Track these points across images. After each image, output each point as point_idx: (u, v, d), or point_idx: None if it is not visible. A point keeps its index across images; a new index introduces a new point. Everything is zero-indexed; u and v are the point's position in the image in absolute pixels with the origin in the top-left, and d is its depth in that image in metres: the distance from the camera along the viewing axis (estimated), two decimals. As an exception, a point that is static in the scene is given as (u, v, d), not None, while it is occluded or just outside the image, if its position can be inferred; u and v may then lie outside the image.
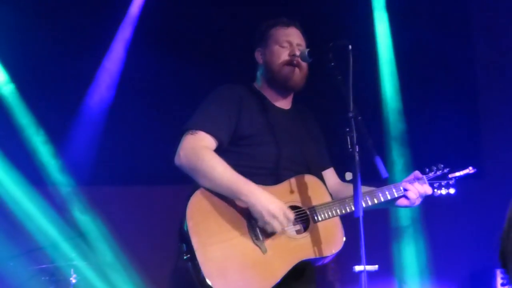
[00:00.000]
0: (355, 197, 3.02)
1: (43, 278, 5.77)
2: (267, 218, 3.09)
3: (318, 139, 3.71)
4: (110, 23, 6.87)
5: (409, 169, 3.64)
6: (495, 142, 6.93)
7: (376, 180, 3.35)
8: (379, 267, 3.59)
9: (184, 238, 3.10)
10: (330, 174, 3.71)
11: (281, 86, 3.54)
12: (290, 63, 3.49)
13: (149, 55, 6.68)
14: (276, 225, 3.10)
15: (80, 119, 6.88)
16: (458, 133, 6.82)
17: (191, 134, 3.28)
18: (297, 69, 3.50)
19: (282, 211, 3.12)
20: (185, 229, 3.09)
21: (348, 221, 3.32)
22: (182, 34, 6.78)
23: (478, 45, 7.12)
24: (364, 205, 3.26)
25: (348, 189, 3.38)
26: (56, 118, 6.73)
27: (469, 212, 6.57)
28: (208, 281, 3.02)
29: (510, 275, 1.25)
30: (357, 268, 2.99)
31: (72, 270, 5.53)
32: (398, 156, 6.74)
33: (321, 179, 3.52)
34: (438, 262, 6.75)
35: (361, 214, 2.98)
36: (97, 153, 6.82)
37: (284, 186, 3.31)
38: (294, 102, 3.67)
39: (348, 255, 3.33)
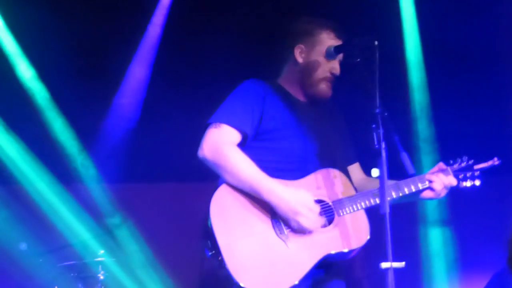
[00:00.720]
0: (381, 194, 3.00)
1: (71, 274, 5.81)
2: (292, 216, 3.09)
3: (343, 134, 3.67)
4: (139, 21, 6.89)
5: (435, 164, 3.59)
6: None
7: (402, 176, 3.34)
8: (406, 264, 3.54)
9: (209, 234, 3.10)
10: (355, 169, 3.69)
11: (311, 95, 3.52)
12: (329, 80, 3.49)
13: (179, 54, 6.70)
14: (303, 222, 3.10)
15: (109, 118, 6.92)
16: (487, 130, 6.76)
17: (215, 127, 3.28)
18: (331, 85, 3.50)
19: (305, 207, 3.11)
20: (209, 225, 3.09)
21: (374, 217, 3.30)
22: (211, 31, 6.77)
23: (506, 40, 7.03)
24: (389, 198, 3.21)
25: (374, 184, 3.41)
26: (86, 117, 6.78)
27: (496, 206, 6.50)
28: (234, 277, 3.02)
29: None
30: (384, 265, 2.95)
31: (100, 266, 5.56)
32: (425, 153, 6.68)
33: (346, 173, 3.50)
34: (466, 258, 6.71)
35: (387, 210, 2.96)
36: (126, 151, 6.85)
37: (308, 180, 3.30)
38: None
39: (375, 251, 3.30)
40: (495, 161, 3.58)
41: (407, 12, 6.75)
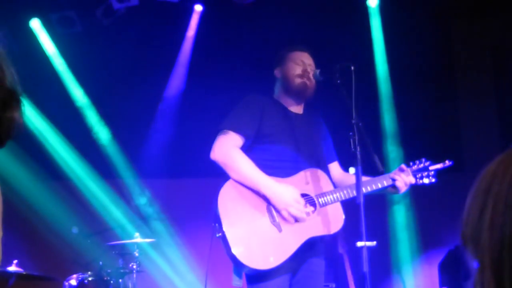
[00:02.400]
0: (357, 187, 3.03)
1: (113, 252, 5.80)
2: (284, 206, 3.11)
3: (326, 138, 3.72)
4: (171, 45, 6.91)
5: (400, 163, 3.61)
6: (474, 140, 6.85)
7: (374, 173, 3.35)
8: (377, 243, 3.52)
9: (217, 219, 3.14)
10: (335, 166, 3.73)
11: (295, 94, 3.57)
12: (301, 75, 3.53)
13: (208, 73, 6.71)
14: (291, 211, 3.12)
15: (145, 124, 6.93)
16: (442, 132, 6.77)
17: (224, 134, 3.33)
18: (306, 81, 3.52)
19: (294, 199, 3.14)
20: (217, 212, 3.13)
21: (351, 205, 3.31)
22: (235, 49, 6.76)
23: (456, 54, 7.06)
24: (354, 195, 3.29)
25: (350, 179, 3.53)
26: (125, 125, 6.80)
27: (449, 199, 6.51)
28: (235, 254, 3.06)
29: (473, 255, 1.21)
30: (359, 244, 2.96)
31: (135, 246, 5.55)
32: (392, 152, 6.68)
33: (328, 170, 3.54)
34: (425, 238, 6.70)
35: (361, 200, 3.00)
36: (159, 151, 6.86)
37: (297, 177, 3.33)
38: (305, 108, 3.67)
39: (352, 233, 3.31)
40: (447, 163, 3.60)
41: (377, 38, 6.77)
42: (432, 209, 6.62)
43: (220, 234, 3.11)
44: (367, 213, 2.97)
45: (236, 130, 3.33)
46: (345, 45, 6.16)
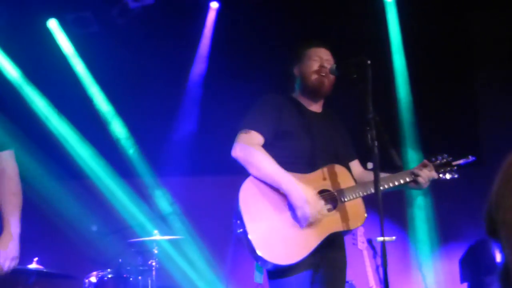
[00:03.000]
0: (375, 182, 3.00)
1: (132, 249, 5.83)
2: (301, 203, 3.09)
3: (345, 136, 3.70)
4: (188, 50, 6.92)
5: (419, 159, 3.58)
6: (492, 134, 6.77)
7: (391, 168, 3.32)
8: (396, 238, 3.53)
9: (238, 216, 3.14)
10: (355, 164, 3.71)
11: (312, 91, 3.55)
12: (318, 72, 3.50)
13: (226, 71, 6.71)
14: (307, 209, 3.09)
15: (163, 122, 6.96)
16: (460, 127, 6.69)
17: (245, 133, 3.33)
18: (324, 77, 3.51)
19: (313, 199, 3.11)
20: (239, 208, 3.13)
21: (370, 200, 3.29)
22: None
23: (474, 47, 6.98)
24: (382, 188, 3.31)
25: (370, 176, 3.41)
26: (144, 123, 6.83)
27: (469, 193, 6.45)
28: (256, 250, 3.05)
29: (503, 243, 1.20)
30: (379, 239, 2.94)
31: (154, 243, 5.57)
32: (410, 148, 6.62)
33: (348, 168, 3.51)
34: (445, 233, 6.64)
35: (379, 196, 2.97)
36: (178, 149, 6.88)
37: (317, 173, 3.31)
38: (324, 107, 3.66)
39: (372, 228, 3.29)
40: (469, 158, 3.57)
41: (394, 30, 6.72)
42: (452, 203, 6.56)
43: (241, 230, 3.11)
44: (386, 208, 2.94)
45: (257, 129, 3.33)
46: (362, 39, 6.13)
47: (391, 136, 3.15)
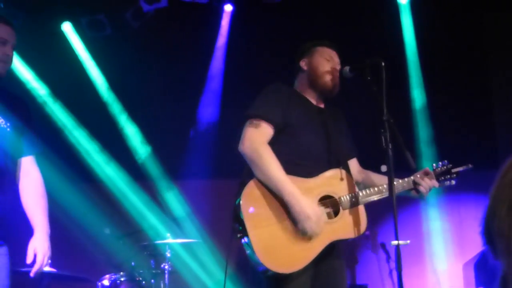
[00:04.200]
0: (389, 186, 2.98)
1: (145, 253, 5.83)
2: (303, 218, 3.04)
3: (346, 133, 3.64)
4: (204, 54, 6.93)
5: (434, 161, 3.54)
6: (508, 135, 6.70)
7: (406, 171, 3.29)
8: (411, 242, 3.47)
9: (239, 220, 3.08)
10: (354, 163, 3.64)
11: (321, 90, 3.49)
12: (331, 73, 3.46)
13: (243, 74, 6.70)
14: (307, 226, 3.05)
15: (177, 125, 6.96)
16: (477, 129, 6.63)
17: (255, 127, 3.23)
18: (334, 80, 3.47)
19: (315, 214, 3.07)
20: (240, 213, 3.06)
21: (384, 203, 3.26)
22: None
23: (490, 52, 6.92)
24: (381, 196, 3.30)
25: (369, 176, 3.53)
26: (158, 127, 6.84)
27: (485, 197, 6.38)
28: (258, 257, 3.00)
29: (496, 253, 1.17)
30: (393, 243, 2.91)
31: (167, 247, 5.56)
32: (424, 150, 6.57)
33: (347, 166, 3.46)
34: (461, 237, 6.58)
35: (394, 199, 2.93)
36: (191, 151, 6.88)
37: (320, 178, 3.26)
38: (326, 103, 3.61)
39: (386, 231, 3.25)
40: (469, 166, 3.54)
41: (408, 33, 6.68)
42: (468, 206, 6.50)
43: (241, 235, 3.06)
44: (401, 211, 2.92)
45: (267, 119, 3.24)
46: (375, 41, 6.09)
47: (405, 138, 3.12)
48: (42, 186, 3.35)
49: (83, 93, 6.87)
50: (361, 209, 3.28)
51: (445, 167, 3.51)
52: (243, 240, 3.08)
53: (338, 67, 3.49)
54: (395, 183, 3.29)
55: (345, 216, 3.21)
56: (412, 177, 3.42)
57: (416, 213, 6.56)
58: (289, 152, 3.26)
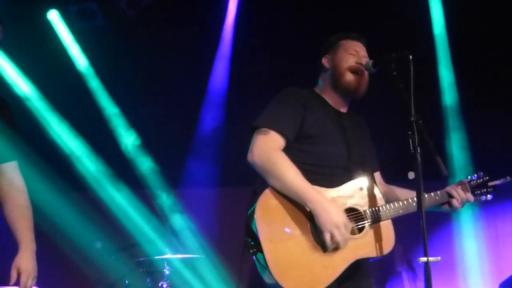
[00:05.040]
0: (418, 195, 2.94)
1: (141, 269, 5.84)
2: (330, 227, 3.00)
3: (370, 143, 3.60)
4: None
5: (468, 168, 3.54)
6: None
7: (436, 179, 3.27)
8: (441, 259, 3.46)
9: (252, 234, 3.03)
10: (378, 176, 3.61)
11: (343, 91, 3.42)
12: (355, 70, 3.41)
13: (250, 70, 6.70)
14: (337, 235, 3.03)
15: (177, 129, 6.97)
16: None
17: (264, 134, 3.19)
18: (360, 78, 3.42)
19: (344, 224, 3.05)
20: (254, 225, 3.02)
21: (412, 216, 3.24)
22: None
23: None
24: (411, 210, 3.24)
25: (394, 191, 3.50)
26: (155, 130, 6.84)
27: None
28: (273, 275, 2.95)
29: None
30: (421, 259, 2.89)
31: (165, 263, 5.57)
32: (457, 155, 6.54)
33: (372, 177, 3.41)
34: (496, 254, 6.55)
35: (423, 210, 2.90)
36: (187, 160, 6.89)
37: (343, 189, 3.21)
38: (349, 107, 3.56)
39: (413, 247, 3.23)
40: (507, 179, 3.51)
41: (438, 22, 6.65)
42: (505, 220, 6.48)
43: (254, 250, 3.04)
44: (430, 225, 2.90)
45: (278, 129, 3.19)
46: (402, 33, 6.07)
47: (436, 142, 3.10)
48: (26, 196, 3.33)
49: (72, 91, 6.88)
50: (388, 224, 3.24)
51: (481, 179, 3.48)
52: (256, 257, 3.06)
53: (365, 61, 3.46)
54: (426, 197, 3.27)
55: (370, 232, 3.19)
56: (445, 189, 3.40)
57: (447, 227, 6.54)
58: (306, 161, 3.21)
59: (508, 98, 6.57)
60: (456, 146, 6.57)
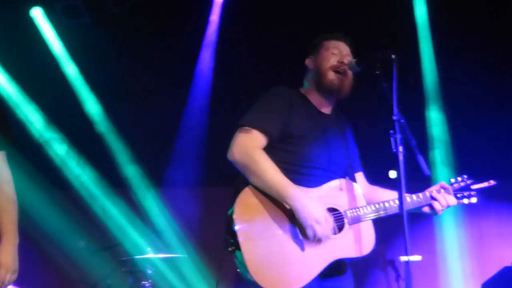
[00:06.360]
0: (399, 194, 2.94)
1: (123, 269, 5.82)
2: (311, 222, 3.00)
3: (353, 145, 3.59)
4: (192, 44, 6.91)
5: (450, 168, 3.53)
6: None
7: (418, 178, 3.27)
8: (423, 258, 3.47)
9: (231, 232, 3.03)
10: (360, 177, 3.60)
11: (327, 90, 3.42)
12: (337, 69, 3.40)
13: (235, 67, 6.68)
14: (318, 230, 3.02)
15: (160, 128, 6.94)
16: (499, 134, 6.61)
17: (245, 132, 3.20)
18: (342, 77, 3.41)
19: (324, 218, 3.05)
20: (233, 223, 3.01)
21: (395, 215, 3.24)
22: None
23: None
24: (393, 212, 3.24)
25: (376, 192, 3.48)
26: (138, 130, 6.81)
27: (506, 210, 6.39)
28: (251, 274, 2.95)
29: None
30: (402, 258, 2.89)
31: (148, 262, 5.55)
32: (440, 155, 6.56)
33: (354, 178, 3.44)
34: (478, 253, 6.58)
35: (404, 209, 2.91)
36: (170, 159, 6.86)
37: (323, 189, 3.22)
38: (334, 108, 3.56)
39: (394, 247, 3.23)
40: (491, 183, 3.51)
41: (422, 24, 6.67)
42: (489, 219, 6.51)
43: (233, 248, 3.03)
44: (412, 224, 2.90)
45: (260, 128, 3.19)
46: (386, 32, 6.08)
47: (419, 141, 3.10)
48: (12, 189, 3.28)
49: (55, 90, 6.83)
50: (369, 225, 3.24)
51: (464, 182, 3.48)
52: (235, 255, 3.04)
53: (348, 61, 3.46)
54: (408, 199, 3.27)
55: (350, 232, 3.18)
56: (427, 192, 3.40)
57: (429, 227, 6.56)
58: (288, 161, 3.21)
59: (490, 99, 6.60)
60: (439, 146, 6.59)
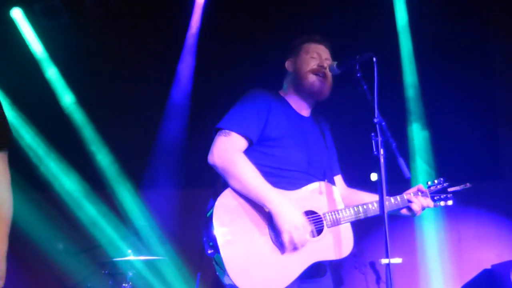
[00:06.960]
0: (380, 197, 2.95)
1: (103, 272, 5.78)
2: (289, 227, 2.99)
3: (331, 148, 3.60)
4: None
5: (431, 171, 3.54)
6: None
7: (399, 180, 3.27)
8: (403, 260, 3.49)
9: (210, 235, 3.02)
10: (339, 180, 3.62)
11: (306, 93, 3.43)
12: (317, 72, 3.41)
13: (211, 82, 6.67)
14: (295, 235, 3.01)
15: (141, 129, 6.91)
16: (478, 135, 6.65)
17: (225, 136, 3.19)
18: (322, 79, 3.41)
19: (301, 224, 3.03)
20: (212, 226, 3.00)
21: (375, 217, 3.25)
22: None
23: (495, 58, 6.95)
24: (372, 214, 3.26)
25: (355, 195, 3.49)
26: (118, 131, 6.77)
27: (486, 211, 6.42)
28: (231, 277, 2.94)
29: None
30: (383, 261, 2.89)
31: (128, 264, 5.53)
32: (420, 158, 6.59)
33: (333, 181, 3.45)
34: (458, 255, 6.61)
35: (385, 211, 2.91)
36: (152, 160, 6.84)
37: (302, 192, 3.22)
38: (313, 111, 3.57)
39: (376, 249, 3.23)
40: (467, 185, 3.53)
41: (403, 27, 6.70)
42: (468, 222, 6.54)
43: (212, 251, 3.01)
44: (392, 227, 2.90)
45: (239, 132, 3.19)
46: (366, 35, 6.10)
47: (399, 143, 3.11)
48: (7, 191, 3.20)
49: (35, 91, 6.78)
50: (347, 227, 3.24)
51: (440, 185, 3.50)
52: (214, 258, 3.03)
53: (327, 63, 3.46)
54: (386, 202, 3.28)
55: (329, 235, 3.18)
56: (404, 195, 3.41)
57: (409, 229, 6.58)
58: (267, 163, 3.21)
59: (469, 101, 6.64)
60: (419, 148, 6.62)
